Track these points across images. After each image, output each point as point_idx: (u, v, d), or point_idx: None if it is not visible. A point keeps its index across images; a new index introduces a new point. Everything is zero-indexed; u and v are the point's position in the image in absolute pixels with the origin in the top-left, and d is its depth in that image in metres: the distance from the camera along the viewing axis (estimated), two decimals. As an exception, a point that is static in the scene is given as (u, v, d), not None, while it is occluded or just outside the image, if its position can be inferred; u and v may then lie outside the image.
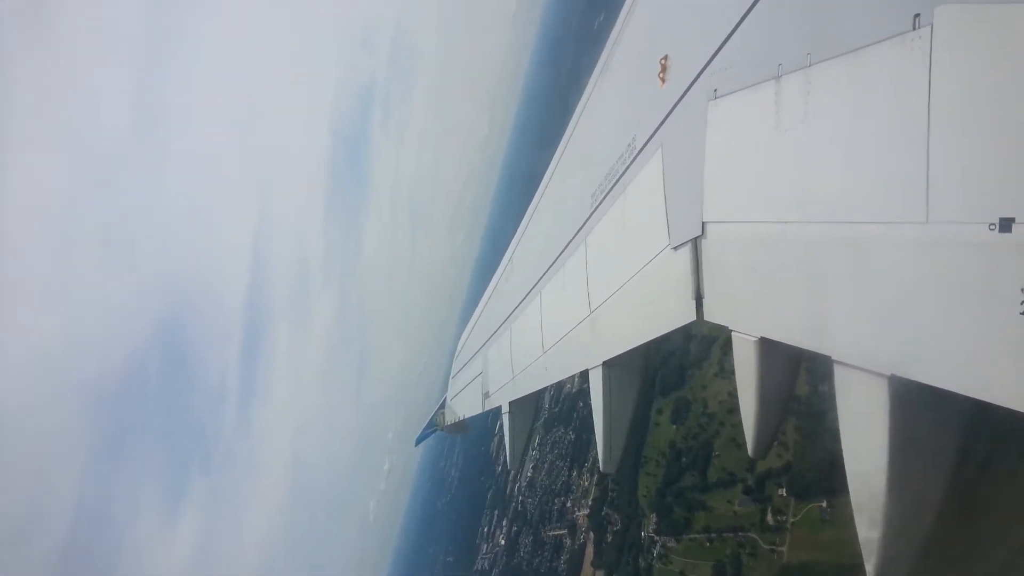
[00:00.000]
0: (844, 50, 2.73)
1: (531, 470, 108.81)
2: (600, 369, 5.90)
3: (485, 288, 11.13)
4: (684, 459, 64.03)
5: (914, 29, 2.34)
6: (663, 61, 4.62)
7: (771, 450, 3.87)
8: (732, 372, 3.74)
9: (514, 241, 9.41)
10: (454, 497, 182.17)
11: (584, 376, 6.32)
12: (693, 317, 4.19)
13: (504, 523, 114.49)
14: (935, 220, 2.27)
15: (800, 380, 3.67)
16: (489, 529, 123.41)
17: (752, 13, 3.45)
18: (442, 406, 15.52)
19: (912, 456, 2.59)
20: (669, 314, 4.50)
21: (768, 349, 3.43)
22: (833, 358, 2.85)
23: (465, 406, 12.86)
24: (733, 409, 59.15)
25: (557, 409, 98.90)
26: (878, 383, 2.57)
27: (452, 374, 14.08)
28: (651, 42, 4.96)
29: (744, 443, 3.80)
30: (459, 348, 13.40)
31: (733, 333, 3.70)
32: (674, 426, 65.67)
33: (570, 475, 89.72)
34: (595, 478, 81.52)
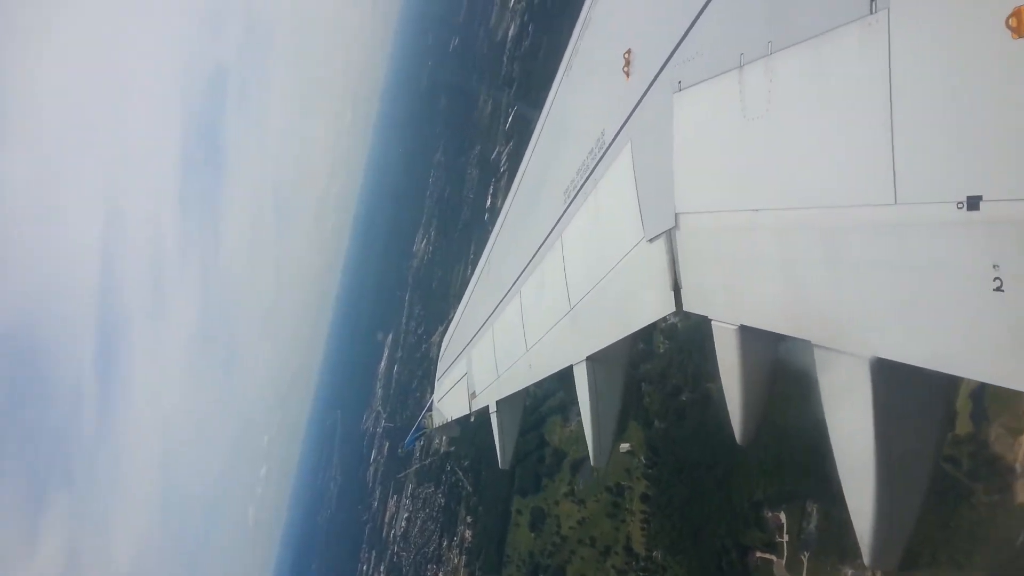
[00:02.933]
0: (804, 37, 2.76)
1: (404, 522, 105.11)
2: (584, 364, 5.89)
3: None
4: (542, 576, 64.29)
5: (871, 13, 2.38)
6: (626, 55, 4.66)
7: (758, 437, 3.84)
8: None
9: (490, 240, 9.42)
10: (334, 516, 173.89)
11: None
12: (672, 308, 4.23)
13: (382, 569, 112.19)
14: (904, 201, 2.29)
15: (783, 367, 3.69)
16: (368, 569, 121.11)
17: (711, 4, 3.50)
18: (429, 408, 15.26)
19: (898, 437, 2.62)
20: (649, 306, 4.55)
21: (748, 336, 3.47)
22: (813, 342, 2.88)
23: (452, 407, 12.65)
24: (582, 540, 54.94)
25: (428, 462, 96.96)
26: (859, 365, 2.59)
27: (437, 376, 13.92)
28: (613, 36, 5.00)
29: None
30: (443, 349, 13.27)
31: (713, 322, 3.74)
32: (532, 533, 64.89)
33: (440, 544, 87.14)
34: (464, 558, 78.88)
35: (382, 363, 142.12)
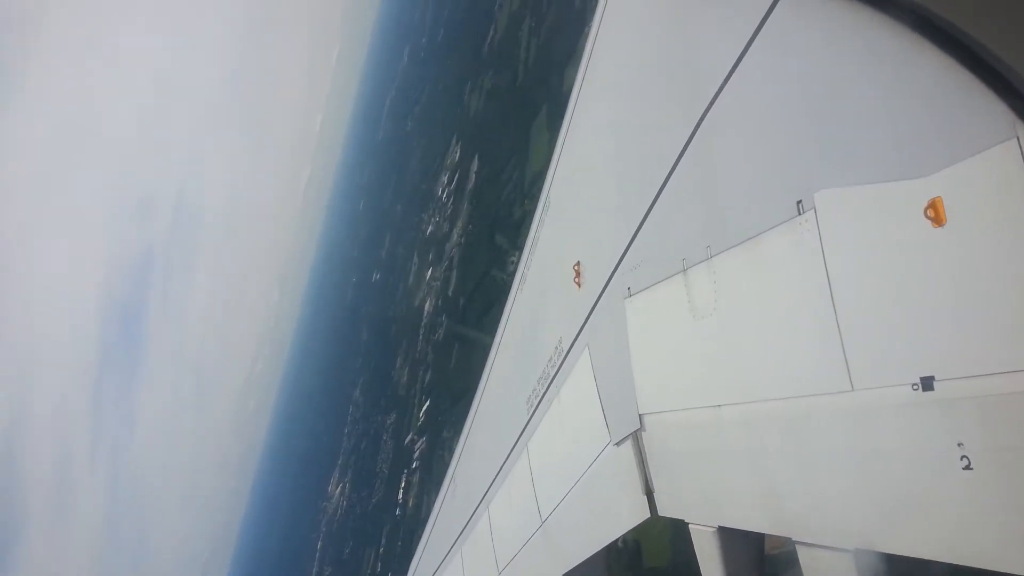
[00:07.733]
0: (740, 240, 2.95)
1: None
2: None
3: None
4: None
5: (800, 214, 2.57)
6: (576, 267, 4.92)
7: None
8: None
9: (454, 458, 9.17)
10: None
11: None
12: (647, 514, 4.09)
13: None
14: (860, 387, 2.34)
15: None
16: None
17: (651, 215, 3.77)
18: None
19: None
20: (622, 514, 4.39)
21: (728, 536, 3.38)
22: (794, 539, 2.79)
23: None
24: None
25: None
26: (843, 559, 2.52)
27: None
28: (562, 251, 5.32)
29: None
30: None
31: (690, 526, 3.62)
32: None
33: None
34: None
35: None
